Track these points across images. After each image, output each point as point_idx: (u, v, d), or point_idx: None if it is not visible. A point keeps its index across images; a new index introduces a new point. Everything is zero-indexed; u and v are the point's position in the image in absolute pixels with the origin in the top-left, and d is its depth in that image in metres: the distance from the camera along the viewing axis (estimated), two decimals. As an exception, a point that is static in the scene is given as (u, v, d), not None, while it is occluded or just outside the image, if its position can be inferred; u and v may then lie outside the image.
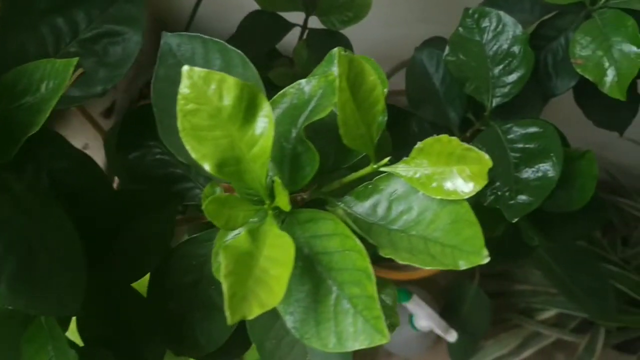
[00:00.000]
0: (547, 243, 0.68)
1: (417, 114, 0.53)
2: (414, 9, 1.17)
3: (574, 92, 0.77)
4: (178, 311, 0.50)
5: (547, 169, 0.60)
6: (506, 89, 0.65)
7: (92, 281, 0.45)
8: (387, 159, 0.39)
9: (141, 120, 0.51)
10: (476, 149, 0.35)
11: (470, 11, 0.68)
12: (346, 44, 0.73)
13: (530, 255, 0.68)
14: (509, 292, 1.52)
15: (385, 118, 0.41)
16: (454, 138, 0.35)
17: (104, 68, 0.47)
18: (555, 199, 0.65)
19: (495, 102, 0.65)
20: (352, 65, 0.36)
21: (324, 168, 0.43)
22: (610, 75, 0.65)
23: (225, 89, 0.35)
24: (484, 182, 0.35)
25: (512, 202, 0.60)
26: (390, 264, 1.28)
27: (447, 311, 1.44)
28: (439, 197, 0.37)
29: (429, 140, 0.37)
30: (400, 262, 0.35)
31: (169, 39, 0.45)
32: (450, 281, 1.52)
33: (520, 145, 0.62)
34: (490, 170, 0.61)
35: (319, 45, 0.72)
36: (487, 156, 0.34)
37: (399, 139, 0.53)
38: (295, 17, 0.76)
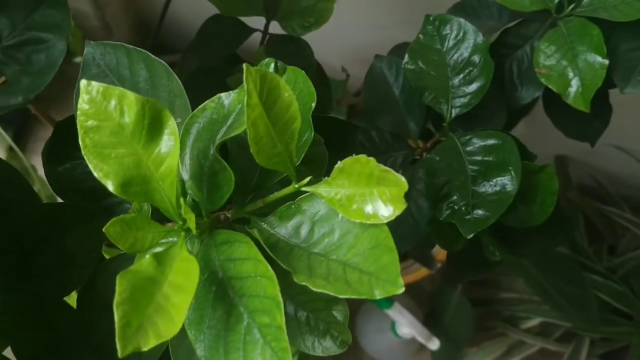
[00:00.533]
0: (510, 258, 0.66)
1: (363, 126, 0.51)
2: (399, 11, 1.15)
3: (543, 102, 0.75)
4: (108, 328, 0.48)
5: (505, 182, 0.58)
6: (466, 99, 0.63)
7: (23, 297, 0.43)
8: (308, 178, 0.37)
9: (72, 131, 0.49)
10: (393, 171, 0.33)
11: (431, 18, 0.66)
12: (306, 50, 0.71)
13: (494, 270, 0.66)
14: (495, 299, 1.50)
15: (312, 135, 0.39)
16: (371, 159, 0.33)
17: (27, 77, 0.45)
18: (517, 214, 0.63)
19: (455, 112, 0.63)
20: (265, 80, 0.34)
21: (247, 186, 0.41)
22: (575, 85, 0.63)
23: (126, 105, 0.33)
24: (402, 206, 0.33)
25: (468, 216, 0.58)
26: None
27: (430, 318, 1.43)
28: (359, 221, 0.35)
29: (348, 160, 0.35)
30: (314, 289, 0.33)
31: (92, 48, 0.43)
32: (435, 288, 1.50)
33: (479, 158, 0.60)
34: (447, 184, 0.59)
35: (279, 51, 0.70)
36: (403, 179, 0.32)
37: (345, 153, 0.51)
38: (258, 22, 0.74)
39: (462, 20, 0.64)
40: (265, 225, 0.39)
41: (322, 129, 0.49)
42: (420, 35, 0.65)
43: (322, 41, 1.39)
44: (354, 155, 0.35)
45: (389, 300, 1.33)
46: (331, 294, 0.33)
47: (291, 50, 0.70)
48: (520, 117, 0.84)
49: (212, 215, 0.39)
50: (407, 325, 1.33)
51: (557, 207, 0.68)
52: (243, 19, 0.74)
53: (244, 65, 0.33)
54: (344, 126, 0.49)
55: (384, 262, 0.34)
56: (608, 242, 1.42)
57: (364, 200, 0.35)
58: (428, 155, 0.61)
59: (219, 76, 0.71)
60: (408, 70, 0.64)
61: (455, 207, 0.59)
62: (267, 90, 0.34)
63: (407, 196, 0.65)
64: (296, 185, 0.37)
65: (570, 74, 0.64)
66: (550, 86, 0.65)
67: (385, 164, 0.66)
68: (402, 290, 0.32)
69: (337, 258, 0.36)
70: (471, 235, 0.57)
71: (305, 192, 0.38)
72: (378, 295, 0.33)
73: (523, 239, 0.68)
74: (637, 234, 1.32)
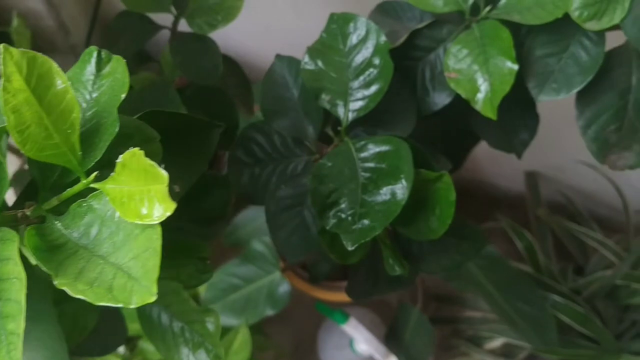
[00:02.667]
0: (413, 274, 0.62)
1: (222, 125, 0.48)
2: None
3: (467, 109, 0.71)
4: None
5: (395, 191, 0.54)
6: (364, 102, 0.59)
7: None
8: (95, 174, 0.33)
9: None
10: (157, 166, 0.29)
11: (335, 16, 0.62)
12: (212, 48, 0.68)
13: (399, 286, 0.62)
14: (459, 318, 1.45)
15: (116, 129, 0.36)
16: (140, 152, 0.30)
17: None
18: (415, 226, 0.59)
19: (352, 116, 0.59)
20: (35, 65, 0.31)
21: (46, 182, 0.37)
22: (484, 91, 0.60)
23: None
24: (171, 205, 0.29)
25: (354, 226, 0.54)
26: (333, 285, 1.23)
27: (391, 335, 1.38)
28: (136, 221, 0.31)
29: (128, 153, 0.31)
30: (72, 294, 0.30)
31: None
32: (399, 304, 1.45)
33: (372, 165, 0.57)
34: (336, 191, 0.56)
35: (184, 49, 0.67)
36: (165, 174, 0.29)
37: (202, 153, 0.47)
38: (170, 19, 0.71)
39: (366, 19, 0.61)
40: (59, 225, 0.35)
41: (172, 126, 0.46)
42: (324, 34, 0.62)
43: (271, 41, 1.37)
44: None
45: (344, 315, 1.29)
46: (89, 300, 0.30)
47: (197, 49, 0.67)
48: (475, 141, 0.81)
49: (6, 213, 0.36)
50: (363, 342, 1.29)
51: (464, 220, 0.64)
52: (154, 15, 0.70)
53: (2, 47, 0.30)
54: (200, 124, 0.46)
55: (149, 267, 0.30)
56: (576, 261, 1.37)
57: (141, 198, 0.31)
58: (320, 161, 0.57)
59: (123, 74, 0.68)
60: (306, 71, 0.60)
61: (342, 216, 0.55)
62: (38, 75, 0.31)
63: (302, 203, 0.62)
64: (84, 182, 0.34)
65: (480, 79, 0.61)
66: (459, 91, 0.61)
67: (286, 169, 0.63)
68: (154, 298, 0.28)
69: (115, 261, 0.32)
70: (354, 247, 0.53)
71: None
72: (134, 303, 0.29)
73: (430, 253, 0.64)
74: (604, 255, 1.27)
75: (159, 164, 0.41)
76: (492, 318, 1.38)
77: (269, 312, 1.21)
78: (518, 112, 0.71)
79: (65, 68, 0.34)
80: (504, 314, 1.22)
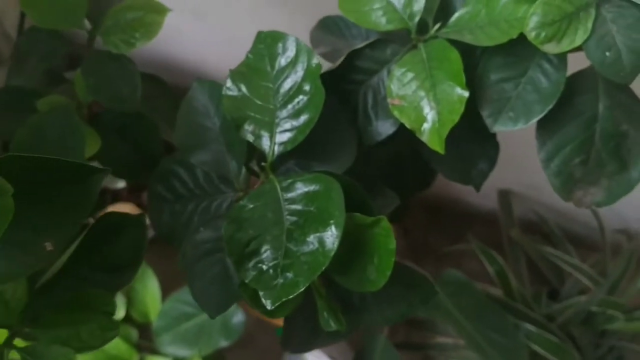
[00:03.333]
0: (353, 326, 0.54)
1: (107, 169, 0.40)
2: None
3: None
4: None
5: (324, 239, 0.47)
6: (292, 134, 0.52)
7: None
8: None
9: None
10: None
11: (262, 35, 0.54)
12: (129, 69, 0.60)
13: (336, 339, 0.55)
14: (430, 344, 1.38)
15: None
16: None
17: None
18: (351, 277, 0.52)
19: (279, 149, 0.52)
20: None
21: None
22: (430, 120, 0.52)
23: None
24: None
25: (276, 281, 0.47)
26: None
27: (357, 363, 1.30)
28: None
29: None
30: None
31: None
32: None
33: (300, 207, 0.49)
34: (257, 238, 0.48)
35: (98, 70, 0.59)
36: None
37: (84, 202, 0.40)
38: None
39: (296, 38, 0.53)
40: None
41: (41, 172, 0.38)
42: (250, 55, 0.54)
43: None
44: None
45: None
46: None
47: (112, 70, 0.59)
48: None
49: None
50: (327, 370, 1.22)
51: (410, 268, 0.56)
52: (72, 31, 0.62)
53: None
54: (76, 169, 0.38)
55: None
56: (551, 285, 1.30)
57: None
58: (240, 203, 0.49)
59: (30, 96, 0.60)
60: (228, 97, 0.52)
61: (263, 268, 0.47)
62: None
63: (224, 249, 0.54)
64: None
65: (426, 107, 0.53)
66: (403, 120, 0.54)
67: (209, 208, 0.55)
68: None
69: None
70: (274, 307, 0.46)
71: None
72: None
73: (373, 304, 0.56)
74: (579, 280, 1.20)
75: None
76: (463, 344, 1.31)
77: (223, 342, 1.14)
78: (476, 140, 0.64)
79: None
80: (474, 343, 1.15)
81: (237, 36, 1.22)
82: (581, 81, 0.57)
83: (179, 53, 1.32)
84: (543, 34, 0.50)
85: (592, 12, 0.51)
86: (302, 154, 0.56)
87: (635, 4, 0.51)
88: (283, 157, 0.56)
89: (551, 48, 0.50)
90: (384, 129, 0.57)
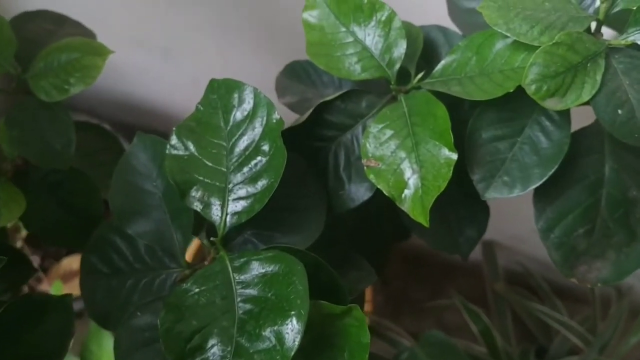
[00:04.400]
0: None
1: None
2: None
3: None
4: None
5: (282, 334, 0.38)
6: (247, 203, 0.43)
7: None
8: None
9: None
10: None
11: (215, 83, 0.46)
12: (63, 120, 0.51)
13: None
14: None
15: None
16: None
17: None
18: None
19: (231, 221, 0.43)
20: None
21: None
22: (413, 187, 0.44)
23: None
24: None
25: (223, 386, 0.37)
26: None
27: None
28: None
29: None
30: None
31: None
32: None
33: (255, 292, 0.40)
34: (203, 330, 0.39)
35: (26, 120, 0.50)
36: None
37: None
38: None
39: (254, 88, 0.45)
40: None
41: None
42: (200, 107, 0.46)
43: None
44: None
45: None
46: None
47: (42, 120, 0.50)
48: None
49: None
50: None
51: None
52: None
53: None
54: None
55: None
56: (538, 342, 1.22)
57: None
58: (183, 286, 0.40)
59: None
60: (171, 157, 0.44)
61: (209, 368, 0.38)
62: None
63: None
64: None
65: (408, 171, 0.45)
66: (380, 186, 0.46)
67: (152, 285, 0.46)
68: None
69: None
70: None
71: None
72: None
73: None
74: (567, 337, 1.12)
75: None
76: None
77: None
78: (463, 203, 0.56)
79: None
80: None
81: (206, 77, 1.14)
82: (585, 140, 0.50)
83: (146, 94, 1.24)
84: (545, 88, 0.42)
85: (602, 62, 0.43)
86: (263, 223, 0.47)
87: (650, 55, 0.43)
88: (240, 227, 0.47)
89: (554, 104, 0.43)
90: (359, 194, 0.49)
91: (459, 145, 0.47)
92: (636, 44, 0.44)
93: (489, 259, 1.26)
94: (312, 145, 0.50)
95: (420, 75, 0.49)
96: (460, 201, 0.55)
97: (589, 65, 0.43)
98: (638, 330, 1.16)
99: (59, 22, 0.61)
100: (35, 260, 1.15)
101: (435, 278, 1.46)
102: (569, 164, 0.49)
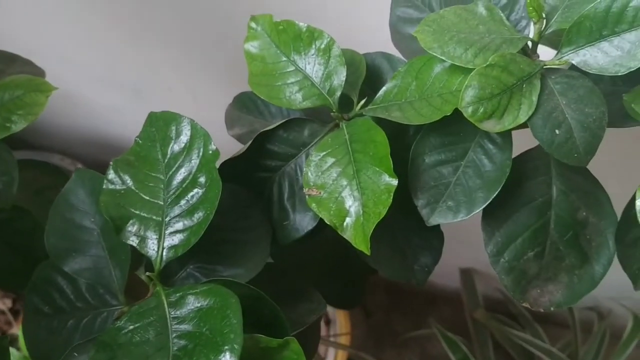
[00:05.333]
0: None
1: None
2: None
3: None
4: None
5: (217, 370, 0.36)
6: (184, 236, 0.42)
7: None
8: None
9: None
10: None
11: (154, 116, 0.46)
12: (4, 158, 0.50)
13: None
14: None
15: None
16: None
17: None
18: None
19: (168, 255, 0.42)
20: None
21: None
22: (354, 214, 0.43)
23: None
24: None
25: None
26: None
27: None
28: None
29: None
30: None
31: None
32: None
33: (190, 328, 0.39)
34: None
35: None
36: None
37: None
38: None
39: (190, 120, 0.44)
40: None
41: None
42: (139, 140, 0.45)
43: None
44: None
45: None
46: None
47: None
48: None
49: None
50: None
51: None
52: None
53: None
54: None
55: None
56: (521, 371, 1.20)
57: None
58: (117, 324, 0.39)
59: None
60: (108, 192, 0.43)
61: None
62: None
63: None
64: None
65: (349, 199, 0.44)
66: (321, 215, 0.45)
67: (93, 325, 0.45)
68: None
69: None
70: None
71: None
72: None
73: None
74: (550, 365, 1.10)
75: None
76: None
77: None
78: (416, 230, 0.55)
79: None
80: None
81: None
82: (531, 162, 0.49)
83: (120, 132, 1.23)
84: (481, 110, 0.42)
85: (537, 83, 0.43)
86: (206, 256, 0.47)
87: (586, 73, 0.43)
88: (181, 261, 0.46)
89: (491, 126, 0.42)
90: (303, 223, 0.48)
91: (405, 171, 0.46)
92: (574, 64, 0.44)
93: (468, 286, 1.25)
94: (257, 176, 0.49)
95: (362, 102, 0.49)
96: (414, 229, 0.55)
97: (524, 86, 0.43)
98: (620, 354, 1.15)
99: (9, 61, 0.61)
100: (7, 304, 1.13)
101: (418, 308, 1.44)
102: (516, 186, 0.49)
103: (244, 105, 0.57)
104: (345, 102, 0.50)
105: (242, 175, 0.49)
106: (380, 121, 0.47)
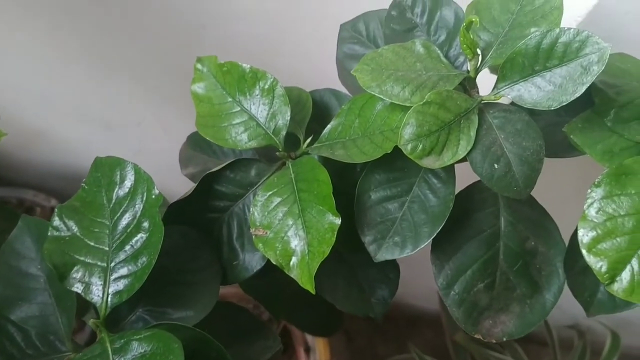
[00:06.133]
0: None
1: None
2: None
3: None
4: None
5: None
6: (128, 281, 0.42)
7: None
8: None
9: None
10: None
11: (99, 161, 0.46)
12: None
13: None
14: None
15: None
16: None
17: None
18: None
19: (113, 301, 0.42)
20: None
21: None
22: (299, 254, 0.43)
23: None
24: None
25: None
26: None
27: None
28: None
29: None
30: None
31: None
32: None
33: (133, 375, 0.39)
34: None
35: None
36: None
37: None
38: None
39: (134, 165, 0.45)
40: None
41: None
42: (85, 185, 0.45)
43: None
44: None
45: None
46: None
47: None
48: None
49: None
50: None
51: None
52: None
53: None
54: None
55: None
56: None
57: None
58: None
59: None
60: (53, 239, 0.43)
61: None
62: None
63: None
64: None
65: (295, 239, 0.45)
66: (267, 255, 0.45)
67: (42, 373, 0.44)
68: None
69: None
70: None
71: None
72: None
73: None
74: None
75: None
76: None
77: None
78: (374, 265, 0.55)
79: None
80: None
81: (148, 147, 1.15)
82: (478, 194, 0.50)
83: (87, 167, 1.23)
84: (420, 147, 0.43)
85: (474, 118, 0.44)
86: (156, 299, 0.47)
87: (523, 108, 0.44)
88: (131, 304, 0.46)
89: (431, 162, 0.43)
90: (253, 263, 0.48)
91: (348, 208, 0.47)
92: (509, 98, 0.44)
93: (447, 309, 1.24)
94: (206, 216, 0.50)
95: (309, 140, 0.49)
96: (371, 263, 0.55)
97: (462, 122, 0.44)
98: (600, 372, 1.15)
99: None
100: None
101: (399, 331, 1.44)
102: (464, 219, 0.49)
103: (197, 144, 0.57)
104: (293, 141, 0.50)
105: (192, 216, 0.49)
106: (327, 159, 0.48)
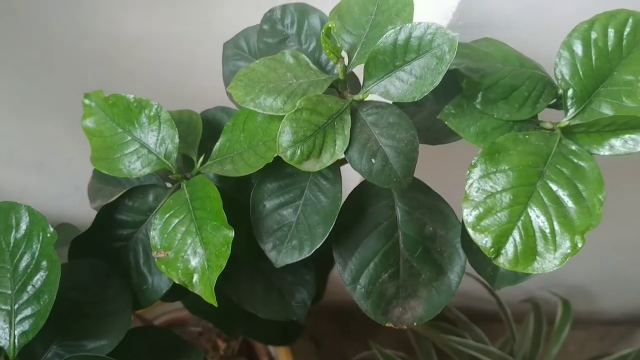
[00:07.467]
0: None
1: None
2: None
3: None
4: None
5: None
6: (32, 321, 0.43)
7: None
8: None
9: None
10: None
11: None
12: None
13: None
14: None
15: None
16: None
17: None
18: None
19: (20, 342, 0.43)
20: None
21: None
22: (200, 270, 0.45)
23: None
24: None
25: None
26: None
27: None
28: None
29: None
30: None
31: None
32: None
33: (44, 412, 0.40)
34: None
35: None
36: None
37: None
38: None
39: (28, 207, 0.46)
40: None
41: None
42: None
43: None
44: None
45: None
46: None
47: None
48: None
49: None
50: None
51: None
52: None
53: None
54: None
55: None
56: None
57: None
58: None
59: None
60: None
61: None
62: None
63: None
64: None
65: (194, 256, 0.46)
66: (170, 276, 0.46)
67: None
68: None
69: None
70: None
71: None
72: None
73: None
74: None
75: None
76: None
77: None
78: (289, 270, 0.57)
79: None
80: None
81: (86, 183, 1.15)
82: (372, 188, 0.52)
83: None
84: (298, 153, 0.44)
85: (347, 118, 0.46)
86: (70, 333, 0.48)
87: (393, 104, 0.46)
88: (44, 342, 0.47)
89: (311, 166, 0.45)
90: (161, 285, 0.50)
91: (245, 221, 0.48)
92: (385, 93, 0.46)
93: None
94: (112, 246, 0.51)
95: (201, 160, 0.51)
96: (285, 268, 0.56)
97: (336, 123, 0.45)
98: (556, 339, 1.18)
99: None
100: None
101: (365, 331, 1.45)
102: (360, 214, 0.51)
103: (103, 177, 0.59)
104: (188, 162, 0.52)
105: (98, 247, 0.50)
106: (219, 176, 0.49)
